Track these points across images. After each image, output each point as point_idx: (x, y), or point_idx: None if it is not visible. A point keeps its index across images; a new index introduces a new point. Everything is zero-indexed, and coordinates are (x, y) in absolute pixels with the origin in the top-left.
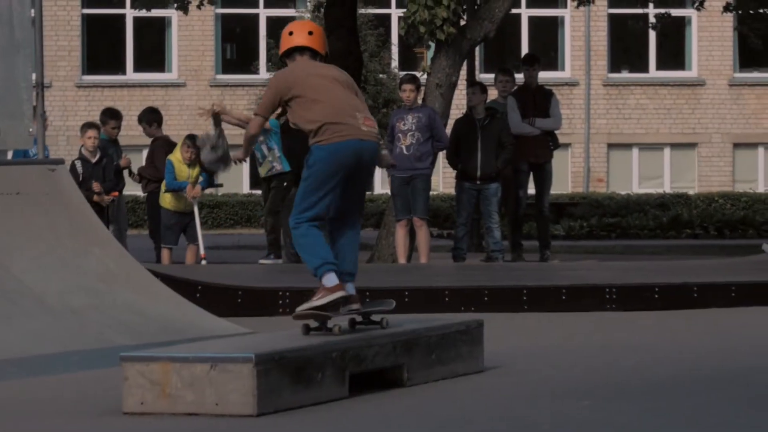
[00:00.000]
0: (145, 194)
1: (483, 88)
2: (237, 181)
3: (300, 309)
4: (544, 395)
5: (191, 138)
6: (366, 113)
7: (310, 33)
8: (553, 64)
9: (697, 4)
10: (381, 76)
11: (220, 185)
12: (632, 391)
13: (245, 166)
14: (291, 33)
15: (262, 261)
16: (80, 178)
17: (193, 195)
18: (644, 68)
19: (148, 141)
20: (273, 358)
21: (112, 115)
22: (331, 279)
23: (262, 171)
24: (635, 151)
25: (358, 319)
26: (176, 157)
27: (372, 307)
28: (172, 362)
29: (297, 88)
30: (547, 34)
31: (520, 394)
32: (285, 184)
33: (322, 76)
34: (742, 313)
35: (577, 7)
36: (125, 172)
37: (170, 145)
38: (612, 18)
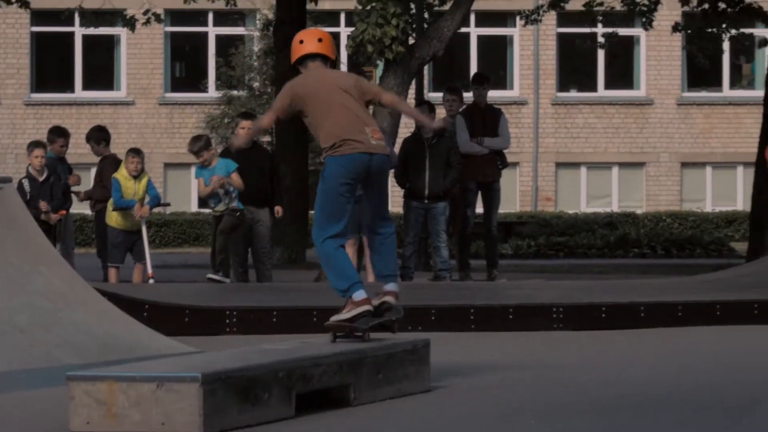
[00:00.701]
0: (94, 213)
1: (431, 108)
2: (185, 200)
3: (330, 321)
4: (491, 414)
5: (135, 151)
6: (374, 125)
7: (320, 40)
8: (502, 83)
9: (645, 24)
10: None
11: (168, 204)
12: (580, 410)
13: (193, 188)
14: (301, 41)
15: (210, 276)
16: (27, 197)
17: (141, 214)
18: (593, 87)
19: (96, 159)
20: (220, 378)
21: (59, 133)
22: (359, 294)
23: (219, 208)
24: (583, 170)
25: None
26: (122, 174)
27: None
28: (119, 381)
29: (309, 101)
30: (496, 53)
31: (467, 413)
32: (238, 214)
33: (333, 88)
34: (689, 332)
35: (525, 25)
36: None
37: (118, 164)
38: (561, 37)
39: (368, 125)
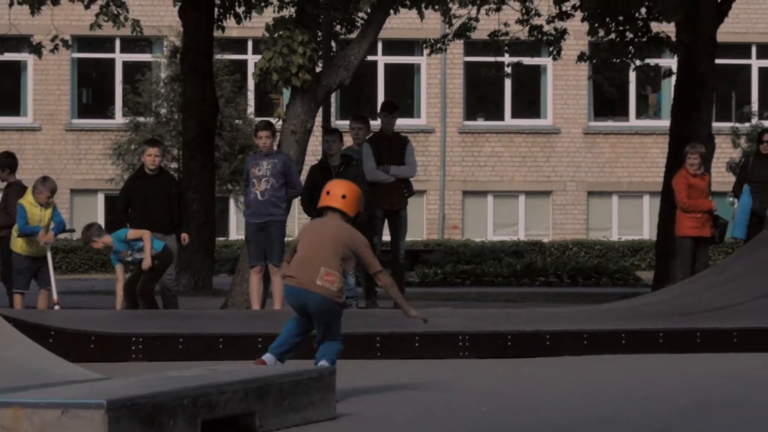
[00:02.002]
0: None
1: (341, 136)
2: None
3: None
4: None
5: (44, 180)
6: (330, 270)
7: (344, 197)
8: (409, 111)
9: (553, 53)
10: (237, 122)
11: (73, 230)
12: None
13: (99, 214)
14: (328, 192)
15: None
16: None
17: (46, 241)
18: (500, 116)
19: (2, 185)
20: (125, 405)
21: None
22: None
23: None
24: (490, 198)
25: None
26: (28, 200)
27: None
28: (24, 408)
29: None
30: (403, 81)
31: None
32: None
33: (320, 232)
34: (595, 361)
35: (431, 54)
36: None
37: (24, 190)
38: (468, 66)
39: (323, 266)
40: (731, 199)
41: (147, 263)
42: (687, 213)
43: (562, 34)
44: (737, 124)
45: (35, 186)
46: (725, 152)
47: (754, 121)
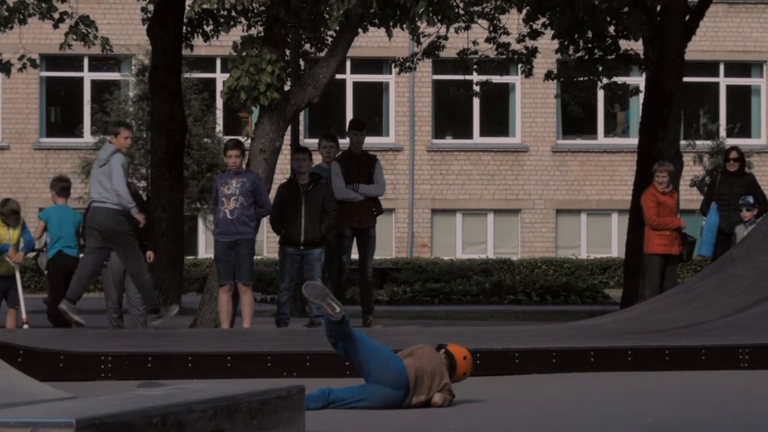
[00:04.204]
0: None
1: (310, 154)
2: None
3: None
4: None
5: (4, 202)
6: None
7: (465, 358)
8: (378, 129)
9: (524, 72)
10: (206, 140)
11: (42, 250)
12: None
13: None
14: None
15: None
16: None
17: (15, 260)
18: (468, 134)
19: None
20: (94, 423)
21: None
22: None
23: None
24: (459, 216)
25: None
26: None
27: None
28: None
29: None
30: (372, 99)
31: None
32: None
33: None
34: (563, 379)
35: (400, 73)
36: None
37: None
38: (436, 84)
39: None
40: (698, 217)
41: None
42: (656, 231)
43: (533, 51)
44: (696, 141)
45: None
46: (693, 170)
47: (721, 138)
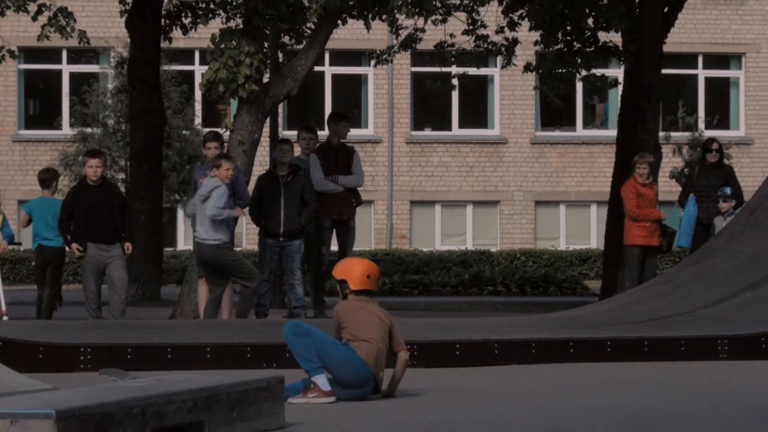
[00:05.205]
0: None
1: (293, 146)
2: None
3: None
4: None
5: None
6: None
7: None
8: (357, 121)
9: (504, 63)
10: (185, 132)
11: (20, 244)
12: None
13: None
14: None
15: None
16: None
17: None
18: (447, 126)
19: None
20: (73, 414)
21: None
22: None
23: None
24: (438, 208)
25: None
26: None
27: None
28: None
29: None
30: (351, 91)
31: None
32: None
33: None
34: (542, 370)
35: (377, 65)
36: None
37: None
38: (415, 76)
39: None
40: (677, 208)
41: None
42: (636, 222)
43: (513, 43)
44: (671, 134)
45: None
46: (672, 161)
47: (700, 130)
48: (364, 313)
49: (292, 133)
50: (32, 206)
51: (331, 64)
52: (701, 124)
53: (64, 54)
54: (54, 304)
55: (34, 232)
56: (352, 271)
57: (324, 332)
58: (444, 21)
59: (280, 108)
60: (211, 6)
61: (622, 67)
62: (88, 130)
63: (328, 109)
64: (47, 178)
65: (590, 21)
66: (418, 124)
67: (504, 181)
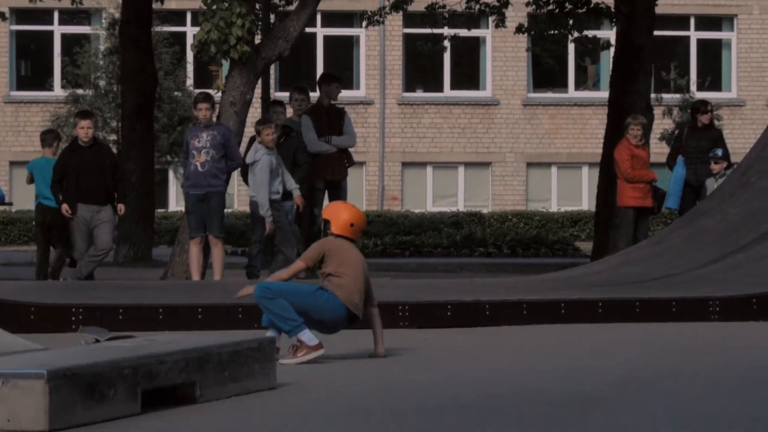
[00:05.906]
0: None
1: (283, 106)
2: (30, 198)
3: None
4: (336, 411)
5: None
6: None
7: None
8: (349, 83)
9: (496, 22)
10: (176, 93)
11: (11, 204)
12: (425, 408)
13: None
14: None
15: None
16: None
17: None
18: (439, 88)
19: None
20: (65, 374)
21: None
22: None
23: None
24: (429, 169)
25: None
26: None
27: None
28: None
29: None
30: (343, 53)
31: (312, 410)
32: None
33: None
34: (533, 331)
35: (368, 26)
36: None
37: None
38: (407, 37)
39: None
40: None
41: None
42: (630, 183)
43: (505, 4)
44: (662, 95)
45: None
46: (663, 123)
47: (691, 92)
48: (349, 248)
49: (284, 95)
50: (33, 165)
51: (323, 25)
52: (693, 86)
53: (56, 15)
54: (63, 261)
55: (36, 191)
56: (339, 215)
57: (293, 283)
58: None
59: (272, 69)
60: None
61: (614, 29)
62: (80, 91)
63: (319, 71)
64: (48, 138)
65: None
66: (409, 85)
67: (496, 142)
